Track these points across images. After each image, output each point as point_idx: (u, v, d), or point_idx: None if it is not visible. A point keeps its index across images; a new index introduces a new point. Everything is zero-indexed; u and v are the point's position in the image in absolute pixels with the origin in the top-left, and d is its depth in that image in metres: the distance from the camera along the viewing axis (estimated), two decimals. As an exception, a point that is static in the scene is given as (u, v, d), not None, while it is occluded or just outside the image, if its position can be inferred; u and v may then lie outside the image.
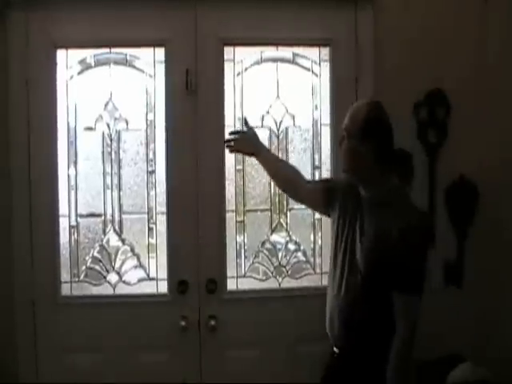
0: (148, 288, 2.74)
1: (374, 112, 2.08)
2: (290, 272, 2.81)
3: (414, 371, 2.15)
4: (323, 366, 2.28)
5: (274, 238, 2.82)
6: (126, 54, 2.71)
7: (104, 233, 2.73)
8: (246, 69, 2.77)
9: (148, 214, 2.74)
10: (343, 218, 2.20)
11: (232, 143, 2.48)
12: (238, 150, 2.50)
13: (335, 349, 2.22)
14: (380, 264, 2.04)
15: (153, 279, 2.74)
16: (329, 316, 2.22)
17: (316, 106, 2.80)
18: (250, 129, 2.50)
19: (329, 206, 2.31)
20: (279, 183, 2.51)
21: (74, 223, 2.71)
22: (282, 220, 2.82)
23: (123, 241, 2.74)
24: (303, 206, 2.79)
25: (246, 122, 2.52)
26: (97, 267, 2.73)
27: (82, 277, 2.72)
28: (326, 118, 2.78)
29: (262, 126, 2.78)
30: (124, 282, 2.74)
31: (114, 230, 2.74)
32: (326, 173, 2.80)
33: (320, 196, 2.35)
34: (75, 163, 2.71)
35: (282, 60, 2.79)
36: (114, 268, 2.73)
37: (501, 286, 2.75)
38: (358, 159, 2.09)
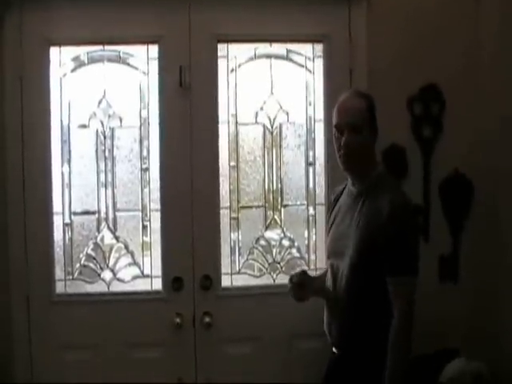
0: (142, 285, 2.73)
1: (369, 100, 2.11)
2: (284, 268, 2.81)
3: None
4: (324, 365, 2.26)
5: (269, 234, 2.82)
6: (119, 52, 2.71)
7: (98, 230, 2.73)
8: (239, 65, 2.77)
9: (142, 211, 2.74)
10: (332, 222, 2.24)
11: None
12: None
13: (334, 349, 2.20)
14: (371, 251, 2.02)
15: (147, 276, 2.73)
16: (326, 319, 2.21)
17: (310, 102, 2.80)
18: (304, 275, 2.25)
19: None
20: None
21: (67, 221, 2.71)
22: (276, 216, 2.81)
23: (117, 238, 2.74)
24: (298, 202, 2.81)
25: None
26: (91, 265, 2.72)
27: (76, 274, 2.72)
28: (320, 114, 2.78)
29: (256, 123, 2.78)
30: (118, 279, 2.73)
31: (108, 227, 2.73)
32: (319, 168, 2.80)
33: None
34: (69, 161, 2.71)
35: (276, 56, 2.79)
36: (108, 265, 2.73)
37: (497, 280, 2.74)
38: (365, 147, 2.09)
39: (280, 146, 2.80)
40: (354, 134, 2.07)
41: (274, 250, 2.81)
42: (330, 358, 2.24)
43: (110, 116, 2.72)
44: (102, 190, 2.72)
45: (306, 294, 2.23)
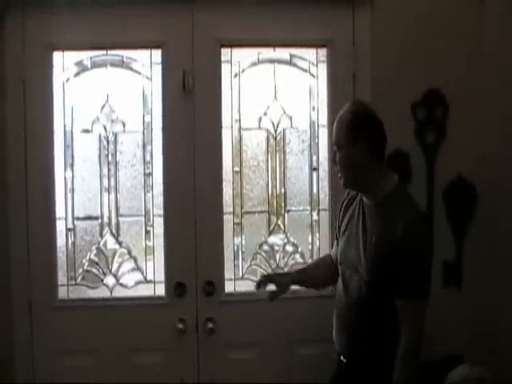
0: (145, 291, 2.73)
1: (358, 109, 2.06)
2: (287, 274, 2.80)
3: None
4: (325, 371, 2.25)
5: (272, 239, 2.81)
6: (122, 56, 2.70)
7: (101, 235, 2.72)
8: (243, 70, 2.76)
9: (145, 216, 2.73)
10: (345, 229, 2.20)
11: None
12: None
13: (342, 358, 2.18)
14: (383, 270, 1.98)
15: (150, 282, 2.72)
16: (335, 329, 2.20)
17: (313, 107, 2.79)
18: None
19: None
20: (318, 286, 2.46)
21: (70, 226, 2.70)
22: (279, 222, 2.80)
23: (120, 243, 2.73)
24: (301, 208, 2.80)
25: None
26: (94, 270, 2.71)
27: (78, 280, 2.71)
28: (324, 119, 2.77)
29: (260, 128, 2.77)
30: (121, 284, 2.73)
31: (111, 232, 2.72)
32: (323, 174, 2.79)
33: None
34: (72, 166, 2.70)
35: (280, 61, 2.78)
36: (110, 271, 2.72)
37: (500, 286, 2.74)
38: (354, 164, 2.04)
39: (283, 151, 2.78)
40: (340, 152, 2.06)
41: (278, 256, 2.80)
42: (338, 364, 2.22)
43: (113, 121, 2.71)
44: (105, 195, 2.71)
45: (279, 293, 2.32)
